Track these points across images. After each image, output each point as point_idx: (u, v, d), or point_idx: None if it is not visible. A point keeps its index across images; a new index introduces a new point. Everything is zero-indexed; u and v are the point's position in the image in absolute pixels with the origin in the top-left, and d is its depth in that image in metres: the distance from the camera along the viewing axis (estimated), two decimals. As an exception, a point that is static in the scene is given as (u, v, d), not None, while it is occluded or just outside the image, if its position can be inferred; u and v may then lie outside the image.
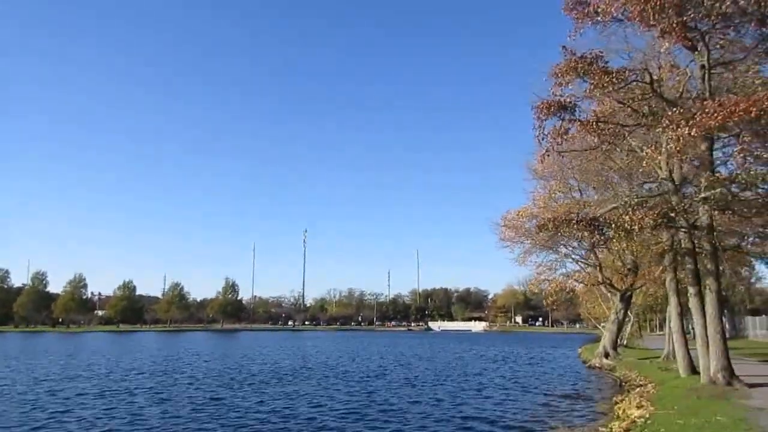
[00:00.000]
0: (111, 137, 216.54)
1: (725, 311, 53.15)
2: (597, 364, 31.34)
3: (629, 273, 29.76)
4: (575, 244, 29.44)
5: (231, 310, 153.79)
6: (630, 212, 15.11)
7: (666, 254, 18.05)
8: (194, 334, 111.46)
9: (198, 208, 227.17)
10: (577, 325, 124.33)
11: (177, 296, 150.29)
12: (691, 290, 17.67)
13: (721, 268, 33.41)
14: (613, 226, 15.44)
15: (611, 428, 12.59)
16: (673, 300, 20.40)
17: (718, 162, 18.74)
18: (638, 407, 14.26)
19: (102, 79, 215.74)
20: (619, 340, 42.15)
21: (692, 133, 13.07)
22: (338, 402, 19.11)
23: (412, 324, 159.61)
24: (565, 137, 16.43)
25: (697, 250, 17.72)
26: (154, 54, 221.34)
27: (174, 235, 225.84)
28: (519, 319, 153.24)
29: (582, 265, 31.74)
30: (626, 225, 14.91)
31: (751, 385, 15.99)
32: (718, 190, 14.61)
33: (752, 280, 49.12)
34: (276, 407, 17.83)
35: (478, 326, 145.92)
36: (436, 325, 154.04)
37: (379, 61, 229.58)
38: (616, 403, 16.46)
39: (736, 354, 31.98)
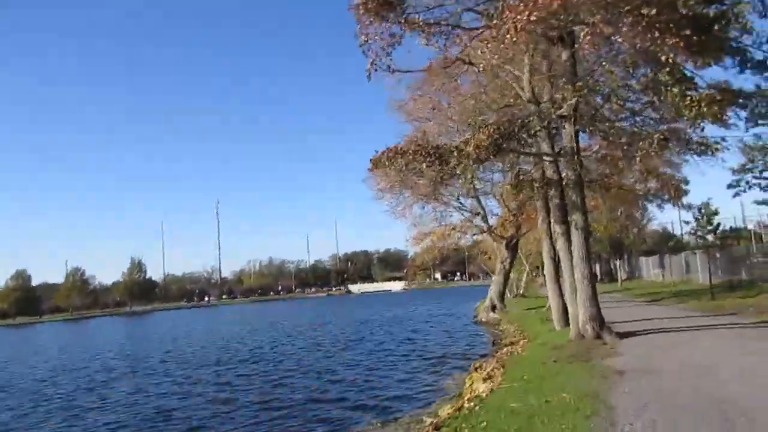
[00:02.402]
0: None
1: (625, 255, 53.55)
2: (483, 319, 29.17)
3: (513, 219, 27.41)
4: (456, 193, 26.76)
5: (139, 291, 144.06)
6: (474, 134, 11.94)
7: (522, 187, 15.12)
8: (95, 320, 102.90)
9: (98, 190, 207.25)
10: (492, 278, 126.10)
11: (78, 281, 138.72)
12: (558, 229, 14.99)
13: (612, 205, 32.30)
14: (455, 153, 12.23)
15: (438, 416, 9.49)
16: (545, 243, 17.87)
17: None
18: (485, 379, 11.32)
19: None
20: (516, 290, 40.88)
21: (531, 18, 9.80)
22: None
23: (333, 289, 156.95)
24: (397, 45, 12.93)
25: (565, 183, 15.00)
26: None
27: (75, 221, 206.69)
28: (438, 275, 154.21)
29: (467, 214, 29.13)
30: (468, 149, 11.73)
31: (624, 335, 13.59)
32: (574, 100, 11.62)
33: (644, 222, 49.20)
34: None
35: (397, 286, 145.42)
36: (356, 288, 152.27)
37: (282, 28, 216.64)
38: (472, 371, 13.57)
39: (628, 295, 31.07)
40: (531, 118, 12.47)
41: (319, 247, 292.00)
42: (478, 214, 28.67)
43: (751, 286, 24.65)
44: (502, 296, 30.54)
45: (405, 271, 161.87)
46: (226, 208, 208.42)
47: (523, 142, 12.89)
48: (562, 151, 14.41)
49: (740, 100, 12.81)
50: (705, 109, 9.39)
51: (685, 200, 27.57)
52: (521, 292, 41.37)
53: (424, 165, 12.84)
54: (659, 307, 22.13)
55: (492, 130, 11.12)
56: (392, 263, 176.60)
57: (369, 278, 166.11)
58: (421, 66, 16.22)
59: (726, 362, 9.69)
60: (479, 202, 29.01)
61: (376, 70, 13.19)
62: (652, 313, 19.42)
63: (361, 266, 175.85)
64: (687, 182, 25.62)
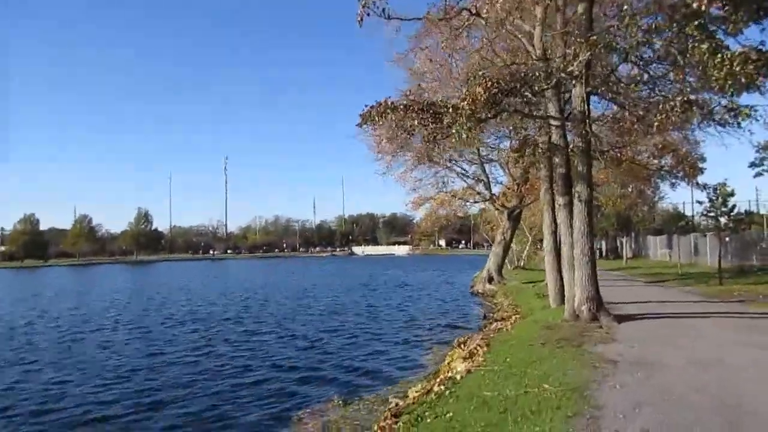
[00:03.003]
0: (15, 60, 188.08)
1: (632, 232, 52.13)
2: (480, 290, 28.26)
3: (517, 189, 26.11)
4: (455, 156, 25.44)
5: (145, 241, 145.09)
6: (470, 88, 10.69)
7: (524, 152, 13.83)
8: (101, 267, 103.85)
9: (109, 141, 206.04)
10: (492, 248, 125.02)
11: (85, 228, 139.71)
12: (560, 200, 13.85)
13: (624, 180, 30.81)
14: (449, 109, 11.00)
15: (406, 397, 8.58)
16: (546, 215, 16.69)
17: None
18: (466, 358, 10.38)
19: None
20: (517, 261, 39.90)
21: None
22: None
23: (337, 249, 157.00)
24: None
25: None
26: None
27: (86, 169, 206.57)
28: (442, 242, 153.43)
29: (470, 182, 27.87)
30: (465, 106, 10.50)
31: (622, 318, 12.58)
32: (587, 56, 10.26)
33: (655, 200, 47.68)
34: None
35: (401, 250, 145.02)
36: (360, 250, 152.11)
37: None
38: (455, 347, 12.66)
39: (632, 274, 29.95)
40: (536, 73, 11.13)
41: (325, 208, 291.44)
42: (481, 181, 27.44)
43: (763, 272, 23.47)
44: (500, 268, 29.54)
45: (410, 236, 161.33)
46: (234, 166, 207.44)
47: (527, 100, 11.60)
48: (570, 116, 13.14)
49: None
50: (738, 68, 8.05)
51: (699, 180, 26.22)
52: (522, 264, 40.37)
53: (416, 122, 11.62)
54: (663, 289, 21.07)
55: (490, 83, 9.83)
56: (397, 228, 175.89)
57: (374, 241, 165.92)
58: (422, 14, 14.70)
59: (734, 357, 8.64)
60: (483, 169, 27.75)
61: (368, 14, 11.85)
62: (656, 295, 18.39)
63: (366, 229, 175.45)
64: (704, 159, 24.15)
